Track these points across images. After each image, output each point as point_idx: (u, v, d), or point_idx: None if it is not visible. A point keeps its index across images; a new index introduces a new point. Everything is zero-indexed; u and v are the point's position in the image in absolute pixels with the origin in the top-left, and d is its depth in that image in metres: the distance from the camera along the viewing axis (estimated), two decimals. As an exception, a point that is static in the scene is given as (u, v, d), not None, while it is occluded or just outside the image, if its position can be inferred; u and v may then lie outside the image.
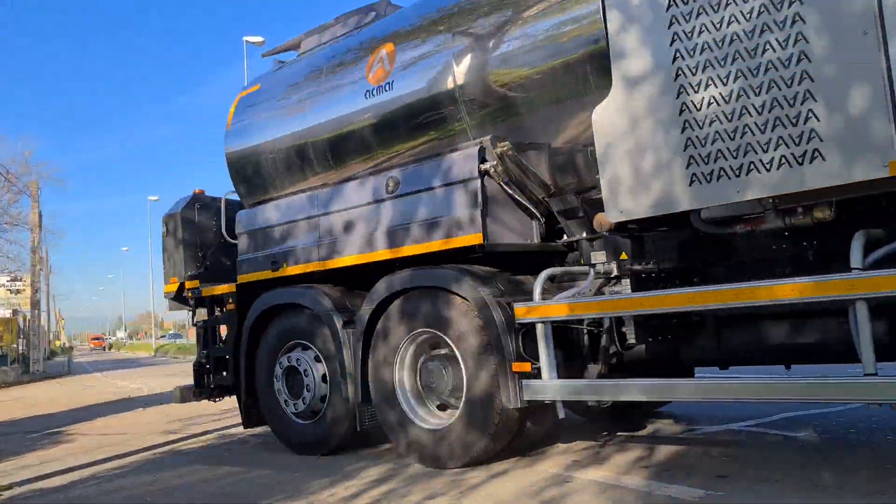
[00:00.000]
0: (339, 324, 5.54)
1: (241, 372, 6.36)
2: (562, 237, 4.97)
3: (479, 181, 4.81)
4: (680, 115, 3.79)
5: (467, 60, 5.00)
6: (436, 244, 5.02)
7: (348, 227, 5.66)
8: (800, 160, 3.43)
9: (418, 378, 5.17)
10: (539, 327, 4.40)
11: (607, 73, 4.09)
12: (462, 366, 4.81)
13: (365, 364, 5.36)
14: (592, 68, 4.43)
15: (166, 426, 8.55)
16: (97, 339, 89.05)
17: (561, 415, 4.48)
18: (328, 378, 5.69)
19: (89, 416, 10.67)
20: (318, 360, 5.79)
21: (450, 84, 5.04)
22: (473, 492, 4.29)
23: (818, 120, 3.37)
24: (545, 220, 5.04)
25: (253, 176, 6.54)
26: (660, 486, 4.05)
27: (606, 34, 4.09)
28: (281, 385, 6.03)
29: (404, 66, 5.37)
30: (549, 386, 4.37)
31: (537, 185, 4.86)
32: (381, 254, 5.35)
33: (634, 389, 4.08)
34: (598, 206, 4.24)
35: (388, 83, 5.38)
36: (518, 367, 4.49)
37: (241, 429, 6.84)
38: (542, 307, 4.41)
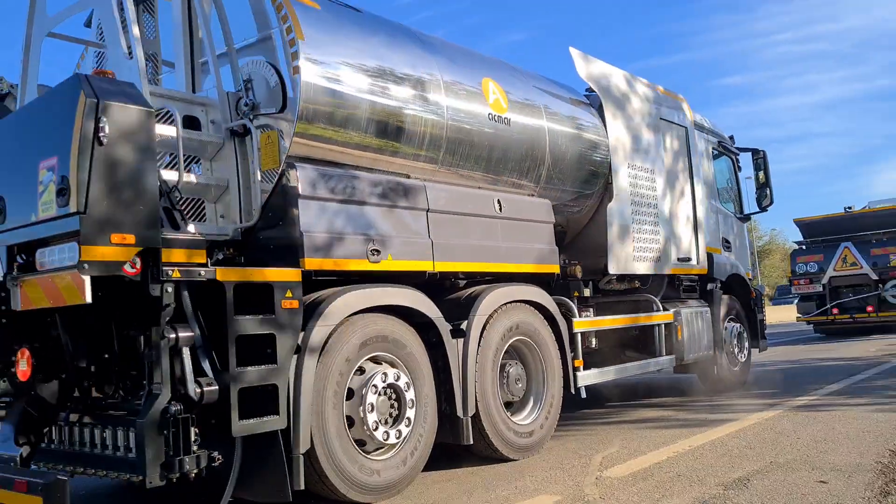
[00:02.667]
0: (445, 331, 5.21)
1: (299, 407, 4.22)
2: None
3: (552, 225, 6.36)
4: (632, 223, 7.33)
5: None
6: (530, 266, 6.04)
7: (458, 233, 5.40)
8: (659, 258, 7.70)
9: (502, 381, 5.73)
10: (578, 336, 6.52)
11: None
12: (543, 365, 6.05)
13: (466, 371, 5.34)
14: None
15: None
16: None
17: (583, 395, 6.58)
18: (416, 396, 5.00)
19: None
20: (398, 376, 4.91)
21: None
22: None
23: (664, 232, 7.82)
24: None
25: (344, 119, 4.60)
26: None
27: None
28: (360, 412, 4.58)
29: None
30: (590, 374, 6.57)
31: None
32: (492, 266, 5.65)
33: (630, 369, 7.01)
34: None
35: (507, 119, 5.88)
36: (577, 363, 6.40)
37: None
38: (585, 321, 6.58)
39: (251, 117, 4.55)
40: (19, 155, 3.88)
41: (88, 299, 3.45)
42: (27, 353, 3.87)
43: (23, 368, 3.86)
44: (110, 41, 4.48)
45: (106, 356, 4.10)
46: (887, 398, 7.92)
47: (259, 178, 4.55)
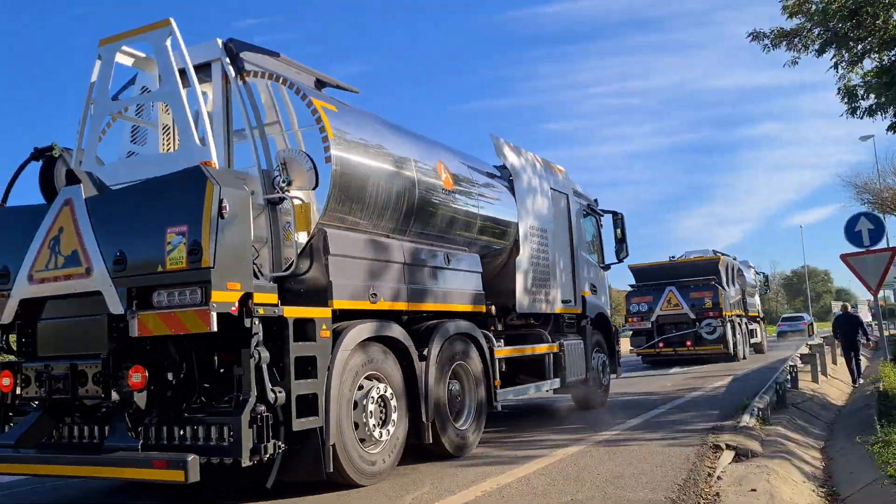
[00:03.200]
0: (415, 356, 6.85)
1: (329, 410, 5.70)
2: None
3: (480, 274, 8.19)
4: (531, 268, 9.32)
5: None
6: (468, 307, 7.82)
7: (424, 279, 7.10)
8: (550, 300, 9.74)
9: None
10: (497, 361, 8.34)
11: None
12: (475, 384, 7.80)
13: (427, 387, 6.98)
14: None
15: None
16: None
17: (499, 408, 8.35)
18: (397, 404, 6.57)
19: None
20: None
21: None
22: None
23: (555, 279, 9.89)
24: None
25: (362, 203, 6.22)
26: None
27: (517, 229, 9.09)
28: (362, 414, 6.11)
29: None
30: (506, 391, 8.41)
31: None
32: (451, 306, 7.39)
33: (530, 389, 8.89)
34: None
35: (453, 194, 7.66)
36: (497, 383, 8.20)
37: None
38: (502, 350, 8.42)
39: (287, 191, 5.97)
40: (140, 220, 5.14)
41: (214, 329, 4.80)
42: (141, 368, 5.08)
43: (136, 380, 5.06)
44: (182, 129, 5.79)
45: (195, 371, 5.40)
46: (679, 432, 8.48)
47: (286, 238, 5.97)
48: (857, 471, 6.66)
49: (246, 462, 4.95)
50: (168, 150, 6.59)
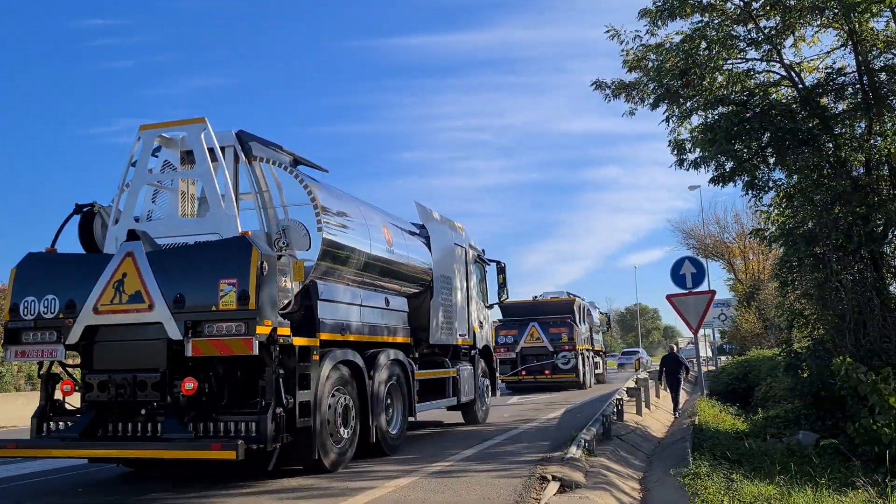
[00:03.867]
0: (366, 376, 9.03)
1: (318, 413, 7.78)
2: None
3: (406, 313, 10.51)
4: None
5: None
6: (399, 339, 10.14)
7: (373, 318, 9.40)
8: (452, 334, 12.16)
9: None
10: (416, 381, 10.63)
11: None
12: (401, 398, 10.07)
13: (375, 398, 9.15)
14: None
15: None
16: None
17: (416, 417, 10.61)
18: (354, 412, 8.67)
19: None
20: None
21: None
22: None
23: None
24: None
25: (339, 261, 8.56)
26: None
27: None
28: (334, 417, 8.19)
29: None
30: (422, 405, 10.72)
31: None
32: (388, 339, 9.69)
33: (439, 404, 11.30)
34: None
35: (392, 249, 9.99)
36: (416, 398, 10.49)
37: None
38: (421, 372, 10.73)
39: (285, 251, 8.01)
40: (198, 272, 7.09)
41: (256, 352, 6.84)
42: (194, 379, 6.99)
43: (188, 388, 6.94)
44: (213, 202, 7.78)
45: (224, 382, 7.44)
46: (510, 464, 8.66)
47: (286, 285, 8.01)
48: (670, 501, 7.01)
49: (270, 448, 6.99)
50: (185, 213, 8.54)
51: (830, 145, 11.29)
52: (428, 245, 11.81)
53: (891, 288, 11.36)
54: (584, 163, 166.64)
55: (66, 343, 7.37)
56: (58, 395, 7.80)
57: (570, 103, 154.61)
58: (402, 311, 10.64)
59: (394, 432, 9.82)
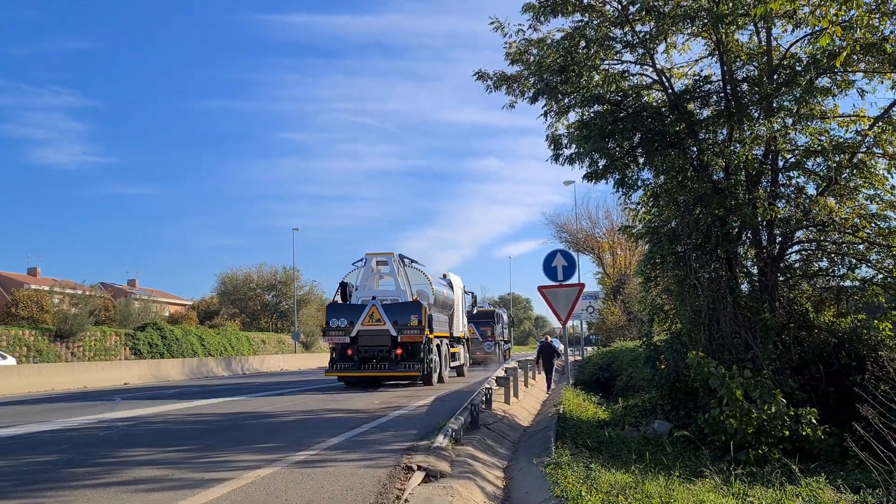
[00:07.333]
0: (444, 348, 21.72)
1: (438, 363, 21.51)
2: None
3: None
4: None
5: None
6: (446, 334, 22.88)
7: (443, 325, 24.52)
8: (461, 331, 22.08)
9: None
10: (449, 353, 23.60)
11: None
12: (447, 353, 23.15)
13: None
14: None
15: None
16: None
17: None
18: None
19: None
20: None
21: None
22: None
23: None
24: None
25: (436, 301, 24.14)
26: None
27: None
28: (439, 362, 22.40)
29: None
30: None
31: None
32: (445, 334, 24.10)
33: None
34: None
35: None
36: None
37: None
38: (454, 348, 23.66)
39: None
40: (403, 313, 22.12)
41: (425, 340, 21.84)
42: (400, 349, 21.96)
43: (399, 351, 21.98)
44: (403, 286, 23.57)
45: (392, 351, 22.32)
46: (376, 452, 8.37)
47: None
48: (532, 490, 6.95)
49: (424, 373, 21.94)
50: (380, 286, 24.33)
51: (694, 149, 11.64)
52: (451, 288, 26.46)
53: (742, 286, 12.01)
54: (465, 153, 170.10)
55: (350, 336, 21.77)
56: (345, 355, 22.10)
57: (455, 93, 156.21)
58: (447, 322, 22.65)
59: (445, 373, 22.34)
